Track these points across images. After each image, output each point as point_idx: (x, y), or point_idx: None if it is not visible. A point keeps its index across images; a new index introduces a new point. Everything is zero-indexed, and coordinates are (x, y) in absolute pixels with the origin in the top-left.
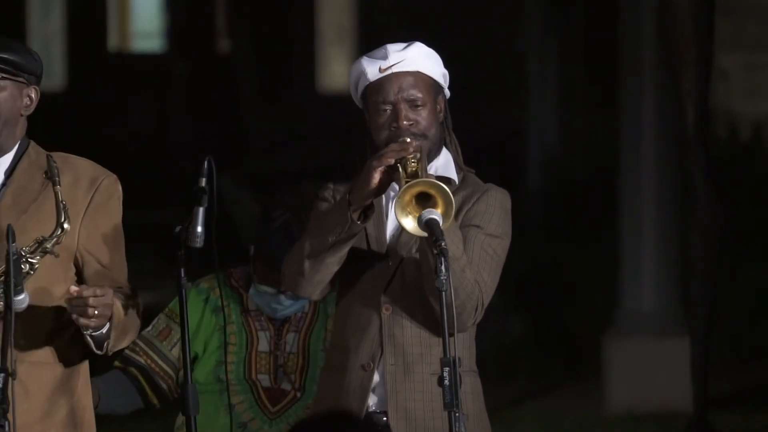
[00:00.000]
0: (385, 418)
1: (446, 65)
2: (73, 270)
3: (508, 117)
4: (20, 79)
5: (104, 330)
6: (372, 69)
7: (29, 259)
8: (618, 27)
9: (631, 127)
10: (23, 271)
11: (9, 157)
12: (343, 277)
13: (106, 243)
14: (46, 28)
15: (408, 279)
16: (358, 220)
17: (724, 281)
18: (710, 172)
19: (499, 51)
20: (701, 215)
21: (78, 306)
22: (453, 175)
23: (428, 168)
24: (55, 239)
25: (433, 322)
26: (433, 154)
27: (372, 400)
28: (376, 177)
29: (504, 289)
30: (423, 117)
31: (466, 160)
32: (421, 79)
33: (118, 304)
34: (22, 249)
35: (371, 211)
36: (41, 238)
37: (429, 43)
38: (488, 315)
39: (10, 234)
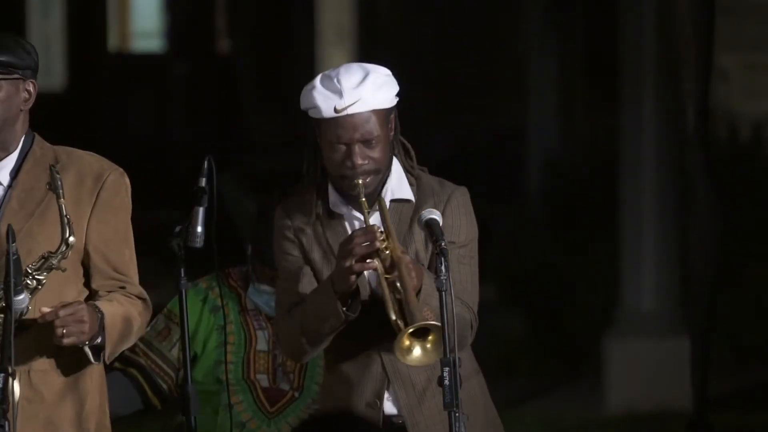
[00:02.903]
0: (401, 421)
1: (446, 65)
2: (82, 270)
3: (508, 117)
4: (15, 77)
5: (98, 340)
6: (326, 107)
7: (36, 276)
8: (618, 27)
9: (631, 127)
10: (30, 287)
11: (14, 157)
12: None
13: (115, 241)
14: (46, 28)
15: None
16: (348, 309)
17: (724, 281)
18: (710, 172)
19: (499, 51)
20: (701, 215)
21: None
22: (408, 193)
23: (384, 192)
24: (60, 255)
25: None
26: (384, 175)
27: (393, 419)
28: (354, 277)
29: (504, 289)
30: (377, 152)
31: (466, 161)
32: (375, 115)
33: (112, 312)
34: (27, 267)
35: (359, 296)
36: (47, 254)
37: (429, 43)
38: (488, 314)
39: (10, 234)
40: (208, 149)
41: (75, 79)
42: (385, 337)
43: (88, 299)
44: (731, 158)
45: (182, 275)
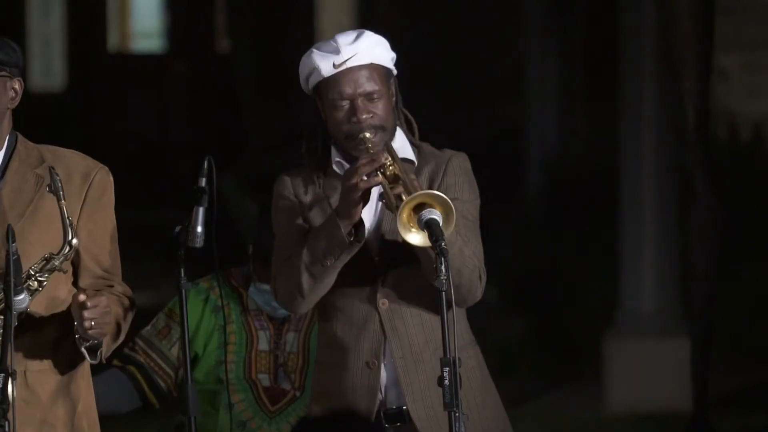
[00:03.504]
0: (405, 407)
1: (446, 65)
2: (71, 269)
3: (508, 117)
4: (3, 74)
5: (95, 341)
6: (325, 65)
7: (38, 278)
8: (618, 27)
9: (631, 127)
10: (32, 288)
11: None
12: None
13: (104, 240)
14: (46, 28)
15: (400, 269)
16: (352, 238)
17: (724, 281)
18: (710, 172)
19: (499, 51)
20: (701, 215)
21: (78, 318)
22: (410, 154)
23: None
24: (63, 257)
25: (431, 300)
26: (389, 139)
27: (388, 397)
28: (359, 195)
29: (504, 289)
30: (380, 108)
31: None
32: (375, 70)
33: (114, 310)
34: (30, 269)
35: (363, 226)
36: (49, 256)
37: (429, 44)
38: (488, 314)
39: (9, 234)
40: (208, 149)
41: (75, 79)
42: (382, 293)
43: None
44: (731, 158)
45: (182, 275)
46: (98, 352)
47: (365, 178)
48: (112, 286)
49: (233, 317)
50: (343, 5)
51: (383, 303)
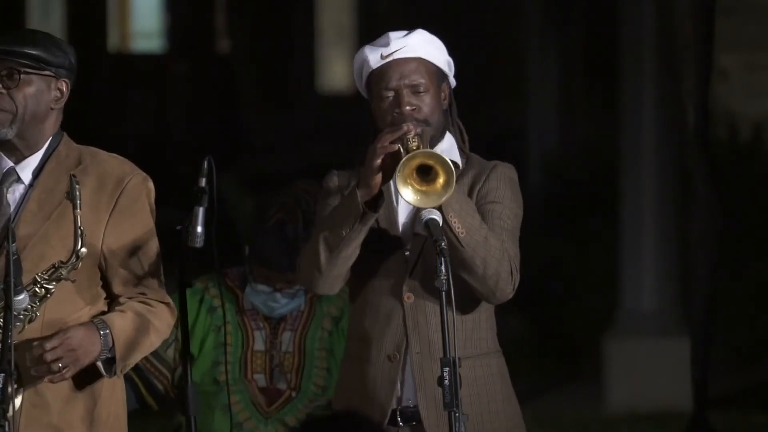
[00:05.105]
0: (416, 406)
1: None
2: (99, 274)
3: (508, 117)
4: (47, 73)
5: (109, 355)
6: (374, 56)
7: (45, 285)
8: (618, 27)
9: (631, 127)
10: (39, 295)
11: (38, 156)
12: (357, 268)
13: (132, 246)
14: (46, 28)
15: (429, 264)
16: (370, 209)
17: (724, 281)
18: (710, 172)
19: (499, 51)
20: (701, 215)
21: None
22: (457, 158)
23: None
24: (70, 266)
25: (461, 298)
26: (435, 140)
27: (405, 394)
28: (378, 162)
29: None
30: (425, 103)
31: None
32: (423, 65)
33: (121, 325)
34: (37, 274)
35: (382, 199)
36: (57, 264)
37: None
38: None
39: (9, 234)
40: (208, 149)
41: (75, 79)
42: (409, 287)
43: (109, 304)
44: (731, 158)
45: (182, 275)
46: (113, 368)
47: (391, 136)
48: (144, 294)
49: (229, 317)
50: (343, 5)
51: (408, 297)
